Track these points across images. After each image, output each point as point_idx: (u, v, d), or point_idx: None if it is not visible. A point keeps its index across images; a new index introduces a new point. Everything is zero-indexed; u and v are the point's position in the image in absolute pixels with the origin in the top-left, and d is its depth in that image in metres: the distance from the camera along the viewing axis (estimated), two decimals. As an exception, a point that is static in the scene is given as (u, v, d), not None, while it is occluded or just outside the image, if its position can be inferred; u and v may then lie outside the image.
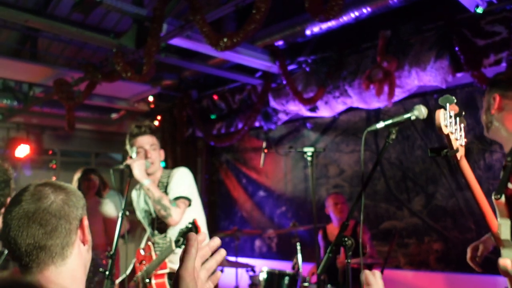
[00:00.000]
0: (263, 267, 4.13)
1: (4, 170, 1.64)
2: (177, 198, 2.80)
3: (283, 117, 5.64)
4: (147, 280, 2.83)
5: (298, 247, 3.91)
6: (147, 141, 2.94)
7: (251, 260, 5.59)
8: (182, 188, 2.87)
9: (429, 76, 4.16)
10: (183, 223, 2.82)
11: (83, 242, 1.21)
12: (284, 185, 6.10)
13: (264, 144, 3.84)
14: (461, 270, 4.41)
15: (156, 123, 7.21)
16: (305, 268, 3.97)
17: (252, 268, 4.71)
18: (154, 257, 2.86)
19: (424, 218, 4.73)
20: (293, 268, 4.02)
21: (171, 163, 7.00)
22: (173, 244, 2.56)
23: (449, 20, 4.04)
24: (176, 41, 4.27)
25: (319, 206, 5.44)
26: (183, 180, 2.92)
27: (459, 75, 4.08)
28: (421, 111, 1.99)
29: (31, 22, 3.96)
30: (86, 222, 1.22)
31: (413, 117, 2.00)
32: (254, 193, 6.46)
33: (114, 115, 7.41)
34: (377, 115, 5.17)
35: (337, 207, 4.49)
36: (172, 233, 2.89)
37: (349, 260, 1.97)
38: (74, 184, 4.36)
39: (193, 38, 4.19)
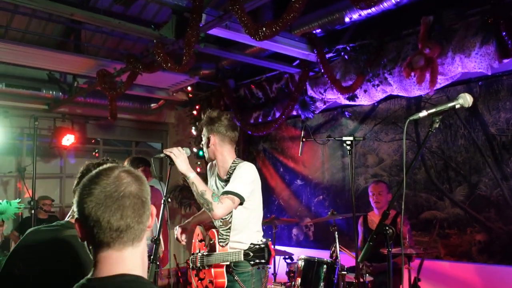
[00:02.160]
0: (301, 255, 4.16)
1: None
2: (224, 193, 2.78)
3: (321, 105, 5.61)
4: (207, 267, 2.94)
5: (336, 236, 3.90)
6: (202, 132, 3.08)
7: (288, 248, 5.62)
8: (234, 184, 2.82)
9: (473, 62, 4.02)
10: (240, 222, 2.90)
11: (149, 227, 1.29)
12: (321, 174, 6.09)
13: (302, 133, 3.83)
14: (505, 262, 4.29)
15: (194, 112, 7.33)
16: (343, 257, 3.97)
17: (290, 256, 4.75)
18: (218, 248, 2.90)
19: (466, 208, 4.62)
20: (331, 256, 4.03)
21: (209, 151, 7.09)
22: (242, 256, 2.62)
23: (495, 4, 3.88)
24: (215, 31, 4.30)
25: (357, 195, 5.41)
26: (241, 177, 2.86)
27: (506, 61, 3.92)
28: (466, 99, 1.94)
29: (76, 15, 4.10)
30: (154, 211, 1.31)
31: (457, 106, 1.96)
32: (291, 182, 6.48)
33: (153, 105, 7.59)
34: (418, 103, 5.06)
35: (373, 197, 4.51)
36: (235, 226, 2.92)
37: (390, 249, 1.97)
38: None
39: (232, 28, 4.22)
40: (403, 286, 4.20)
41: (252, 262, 2.58)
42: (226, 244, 2.92)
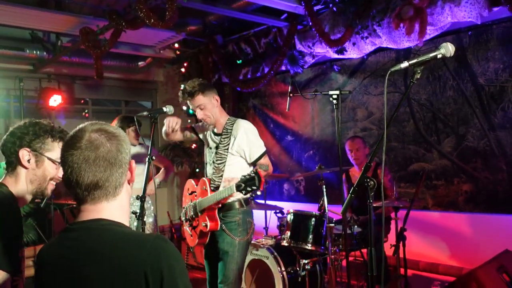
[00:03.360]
0: (290, 209, 4.23)
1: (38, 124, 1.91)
2: (260, 157, 3.17)
3: (309, 60, 5.52)
4: (200, 213, 3.16)
5: (324, 189, 3.95)
6: (192, 104, 3.19)
7: (279, 203, 5.70)
8: (260, 147, 3.20)
9: (463, 11, 3.94)
10: (232, 169, 3.14)
11: (129, 181, 1.42)
12: (311, 129, 6.09)
13: (289, 88, 3.80)
14: (490, 211, 4.39)
15: (182, 70, 7.22)
16: (331, 210, 4.04)
17: (281, 210, 4.83)
18: (209, 193, 3.14)
19: (454, 159, 4.67)
20: (320, 209, 4.10)
21: (199, 109, 7.05)
22: (234, 188, 2.80)
23: (487, -51, 3.75)
24: (198, -16, 4.17)
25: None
26: (255, 137, 3.21)
27: (495, 9, 3.84)
28: (448, 48, 1.91)
29: (52, -30, 3.93)
30: (134, 165, 1.42)
31: (439, 55, 1.93)
32: (281, 138, 6.49)
33: (141, 63, 7.45)
34: (407, 55, 4.99)
35: (351, 153, 4.58)
36: (228, 174, 3.16)
37: (371, 200, 1.99)
38: None
39: (215, -20, 4.08)
40: (388, 237, 4.32)
41: (244, 192, 2.77)
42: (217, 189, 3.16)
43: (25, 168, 1.86)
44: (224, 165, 3.18)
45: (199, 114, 3.20)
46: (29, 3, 5.75)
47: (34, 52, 6.25)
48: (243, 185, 2.77)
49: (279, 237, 4.51)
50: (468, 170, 4.57)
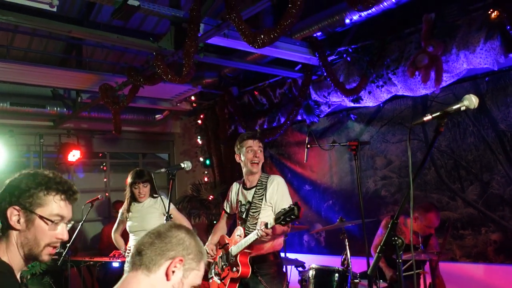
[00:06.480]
0: (312, 264, 4.07)
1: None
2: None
3: (325, 109, 5.54)
4: (232, 260, 3.26)
5: (347, 243, 3.82)
6: (257, 145, 3.43)
7: (300, 255, 5.53)
8: (286, 201, 3.31)
9: (479, 58, 3.94)
10: (265, 217, 3.22)
11: (167, 274, 1.45)
12: (330, 178, 6.00)
13: (306, 140, 3.78)
14: (523, 261, 4.17)
15: (199, 121, 7.31)
16: (354, 264, 3.88)
17: (302, 265, 4.67)
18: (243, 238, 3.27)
19: (479, 207, 4.50)
20: (343, 264, 3.94)
21: (215, 160, 7.05)
22: (273, 221, 2.90)
23: (499, -3, 3.79)
24: (214, 40, 4.27)
25: (366, 198, 5.32)
26: (286, 192, 3.40)
27: (512, 55, 3.84)
28: (471, 100, 1.86)
29: (74, 32, 4.08)
30: (173, 266, 1.46)
31: (463, 108, 1.88)
32: (299, 188, 6.39)
33: (158, 116, 7.57)
34: (424, 102, 4.96)
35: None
36: (263, 219, 3.27)
37: (399, 260, 1.89)
38: (127, 188, 4.29)
39: (231, 36, 4.18)
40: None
41: (283, 222, 2.85)
42: None
43: (15, 229, 1.52)
44: (259, 214, 3.31)
45: (259, 154, 3.41)
46: (51, 62, 5.98)
47: (55, 108, 6.42)
48: (282, 217, 2.86)
49: (300, 293, 4.32)
50: (495, 218, 4.39)
